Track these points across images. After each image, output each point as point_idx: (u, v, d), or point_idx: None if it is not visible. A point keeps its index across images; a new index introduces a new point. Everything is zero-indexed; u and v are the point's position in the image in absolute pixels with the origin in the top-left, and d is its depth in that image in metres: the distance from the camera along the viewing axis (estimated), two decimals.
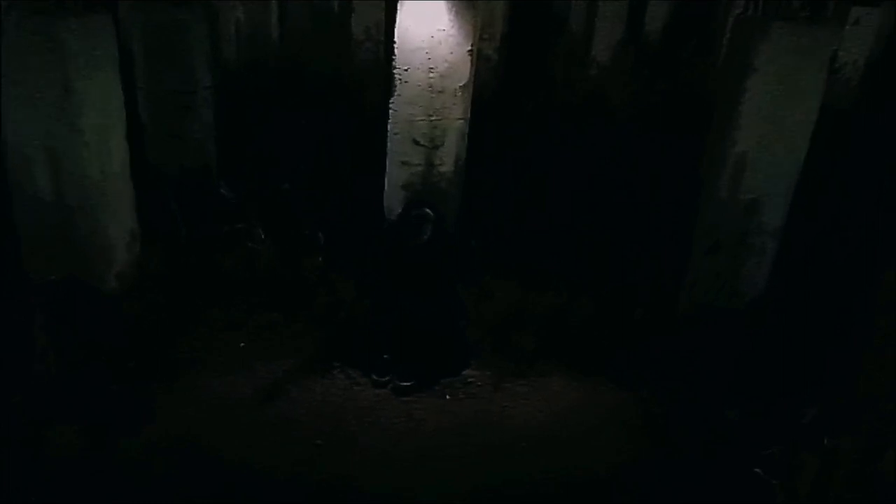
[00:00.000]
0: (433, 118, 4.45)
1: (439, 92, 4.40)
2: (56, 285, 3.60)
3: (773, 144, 3.90)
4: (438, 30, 4.25)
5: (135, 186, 4.19)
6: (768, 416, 3.45)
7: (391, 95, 4.44)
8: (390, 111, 4.47)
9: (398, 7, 4.27)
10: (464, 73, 4.41)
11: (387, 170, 4.61)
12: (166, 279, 4.25)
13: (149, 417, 3.42)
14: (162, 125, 5.06)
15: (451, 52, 4.31)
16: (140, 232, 4.27)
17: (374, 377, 3.87)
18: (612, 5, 7.94)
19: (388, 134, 4.52)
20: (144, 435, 3.33)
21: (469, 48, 4.36)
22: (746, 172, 3.96)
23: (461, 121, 4.54)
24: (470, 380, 3.96)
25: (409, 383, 3.83)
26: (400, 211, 4.32)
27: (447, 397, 3.84)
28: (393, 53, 4.37)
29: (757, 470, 3.20)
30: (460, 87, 4.42)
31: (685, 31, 7.93)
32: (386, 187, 4.64)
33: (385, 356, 3.88)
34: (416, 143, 4.49)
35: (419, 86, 4.36)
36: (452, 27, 4.25)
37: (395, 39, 4.33)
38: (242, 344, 4.06)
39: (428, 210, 3.97)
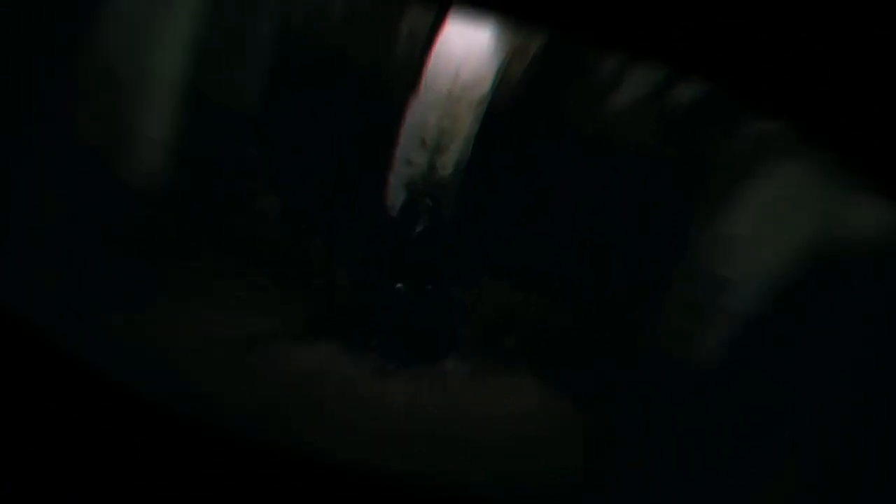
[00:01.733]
0: (445, 122, 4.55)
1: (457, 100, 4.53)
2: None
3: None
4: (473, 42, 4.43)
5: None
6: None
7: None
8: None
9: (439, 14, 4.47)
10: (485, 85, 4.57)
11: (392, 168, 4.67)
12: None
13: None
14: None
15: (479, 65, 4.48)
16: None
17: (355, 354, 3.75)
18: None
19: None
20: None
21: (497, 65, 4.53)
22: None
23: (470, 125, 4.64)
24: (450, 371, 3.84)
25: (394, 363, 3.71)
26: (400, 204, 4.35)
27: (427, 384, 3.70)
28: (424, 57, 4.54)
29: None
30: (478, 97, 4.56)
31: None
32: (390, 185, 4.68)
33: (373, 342, 3.78)
34: (424, 144, 4.57)
35: (439, 92, 4.50)
36: (487, 42, 4.44)
37: (430, 45, 4.51)
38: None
39: (427, 200, 3.97)
